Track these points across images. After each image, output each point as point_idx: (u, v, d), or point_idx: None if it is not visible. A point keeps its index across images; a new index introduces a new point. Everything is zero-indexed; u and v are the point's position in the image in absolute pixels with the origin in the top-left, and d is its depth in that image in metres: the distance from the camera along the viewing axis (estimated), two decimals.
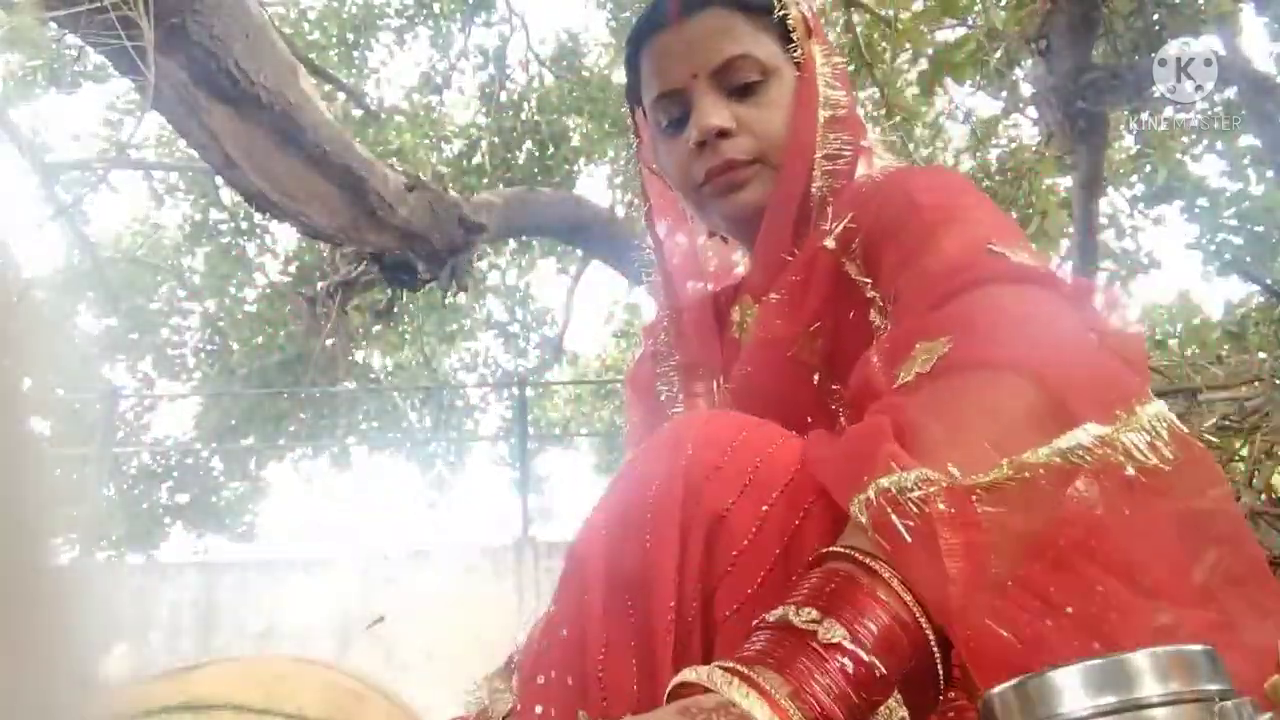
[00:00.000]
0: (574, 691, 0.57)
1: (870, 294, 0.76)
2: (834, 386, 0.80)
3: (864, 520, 0.50)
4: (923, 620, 0.48)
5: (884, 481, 0.50)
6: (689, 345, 0.97)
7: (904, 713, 0.48)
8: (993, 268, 0.65)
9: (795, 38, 0.85)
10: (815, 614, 0.47)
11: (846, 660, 0.45)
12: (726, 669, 0.45)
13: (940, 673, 0.49)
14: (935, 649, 0.49)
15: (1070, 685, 0.38)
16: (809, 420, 0.79)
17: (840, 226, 0.80)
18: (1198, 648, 0.38)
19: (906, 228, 0.73)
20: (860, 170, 0.87)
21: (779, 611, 0.49)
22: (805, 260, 0.82)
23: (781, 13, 0.85)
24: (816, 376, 0.81)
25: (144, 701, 0.67)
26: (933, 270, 0.67)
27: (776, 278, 0.84)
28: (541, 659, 0.60)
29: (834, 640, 0.46)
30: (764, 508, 0.58)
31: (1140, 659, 0.38)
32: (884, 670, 0.46)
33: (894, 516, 0.49)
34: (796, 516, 0.58)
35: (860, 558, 0.50)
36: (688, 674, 0.47)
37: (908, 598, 0.48)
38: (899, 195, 0.77)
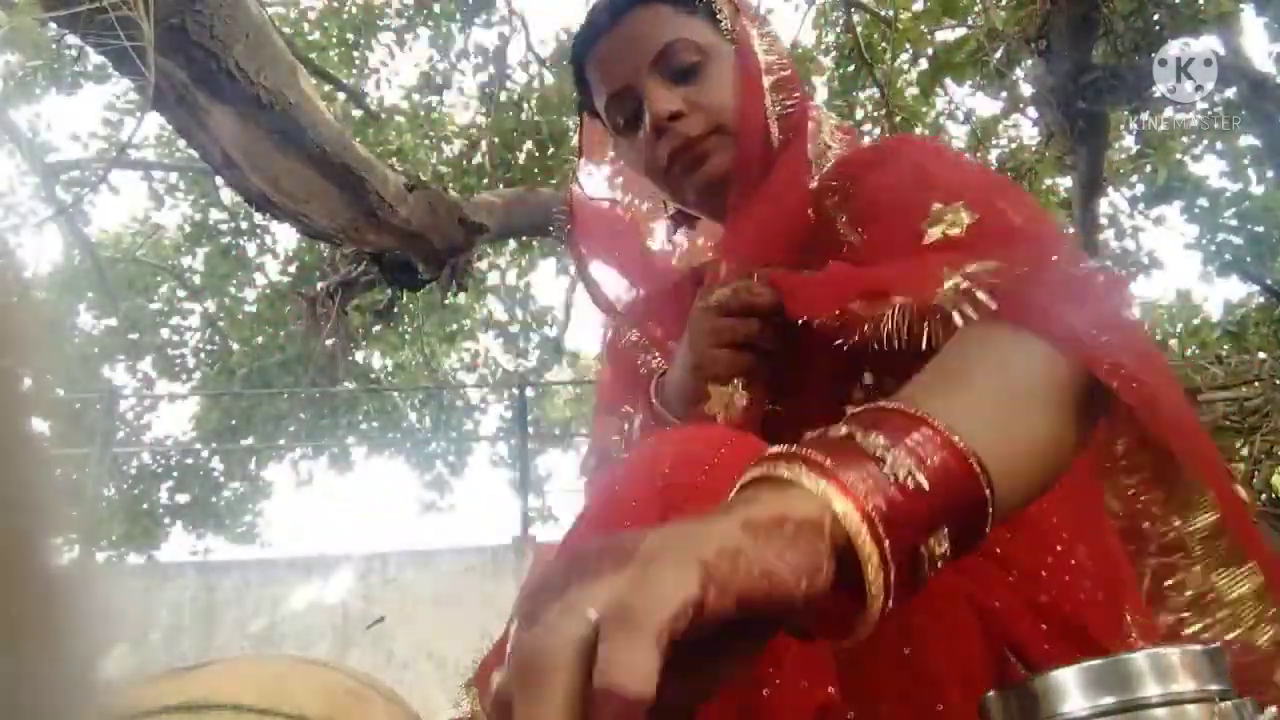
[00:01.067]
0: None
1: (854, 244, 0.78)
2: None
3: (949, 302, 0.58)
4: (968, 453, 0.45)
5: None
6: (664, 324, 0.99)
7: (948, 545, 0.46)
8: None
9: (722, 17, 0.89)
10: (854, 430, 0.45)
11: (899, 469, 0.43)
12: (789, 458, 0.44)
13: (988, 511, 0.47)
14: (984, 484, 0.46)
15: (1070, 685, 0.38)
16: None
17: (827, 170, 0.84)
18: (1198, 648, 0.38)
19: (914, 200, 0.74)
20: (819, 128, 0.90)
21: (814, 433, 0.47)
22: (770, 208, 0.85)
23: None
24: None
25: (144, 701, 0.67)
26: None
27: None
28: None
29: (879, 453, 0.44)
30: None
31: (1140, 659, 0.38)
32: (928, 489, 0.44)
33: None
34: None
35: (896, 405, 0.48)
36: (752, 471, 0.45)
37: (953, 436, 0.46)
38: (908, 163, 0.79)
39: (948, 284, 0.59)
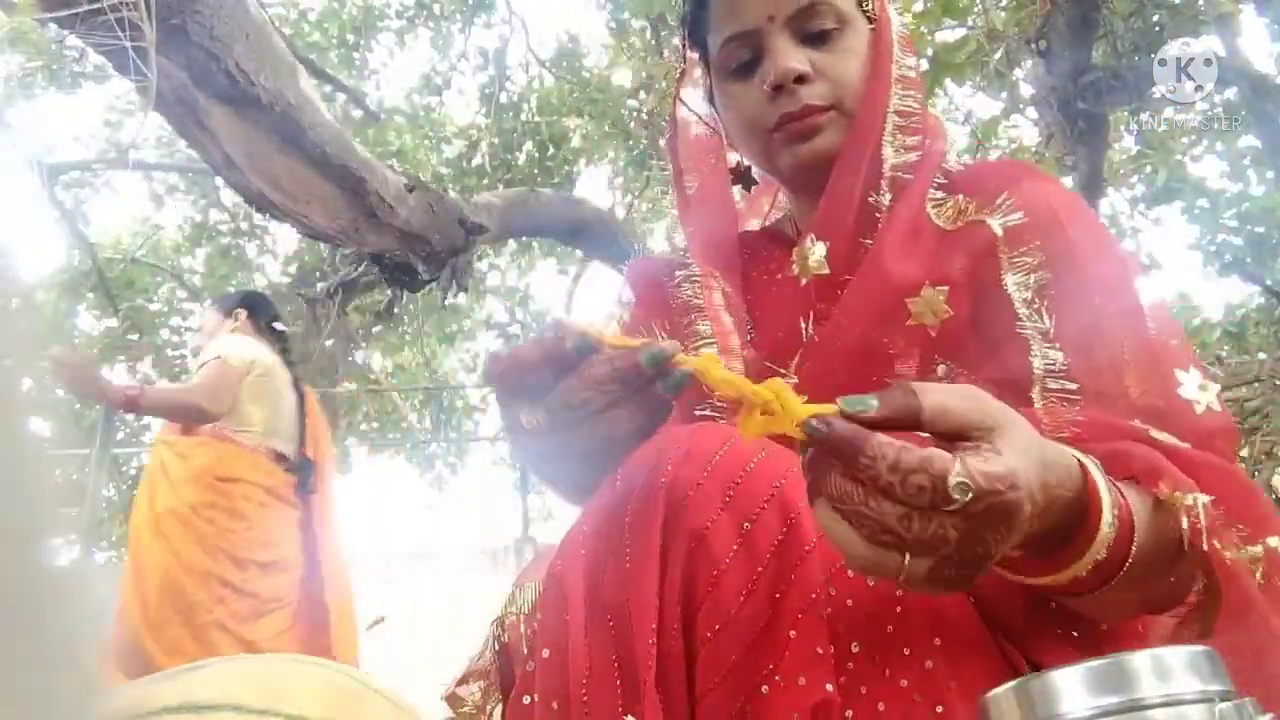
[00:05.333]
0: (558, 716, 0.56)
1: (1030, 323, 0.74)
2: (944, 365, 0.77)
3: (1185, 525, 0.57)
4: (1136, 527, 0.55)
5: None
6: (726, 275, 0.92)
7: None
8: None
9: None
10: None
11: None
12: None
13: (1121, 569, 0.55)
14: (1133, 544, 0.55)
15: (1070, 686, 0.38)
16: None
17: (1005, 220, 0.78)
18: (1198, 648, 0.38)
19: (1113, 314, 0.73)
20: (939, 142, 0.86)
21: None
22: (910, 217, 0.81)
23: None
24: (933, 332, 0.77)
25: (144, 701, 0.67)
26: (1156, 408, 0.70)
27: (859, 222, 0.82)
28: (526, 678, 0.60)
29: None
30: (745, 524, 0.56)
31: (1140, 659, 0.38)
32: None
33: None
34: (782, 528, 0.56)
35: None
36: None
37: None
38: (1091, 240, 0.77)
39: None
